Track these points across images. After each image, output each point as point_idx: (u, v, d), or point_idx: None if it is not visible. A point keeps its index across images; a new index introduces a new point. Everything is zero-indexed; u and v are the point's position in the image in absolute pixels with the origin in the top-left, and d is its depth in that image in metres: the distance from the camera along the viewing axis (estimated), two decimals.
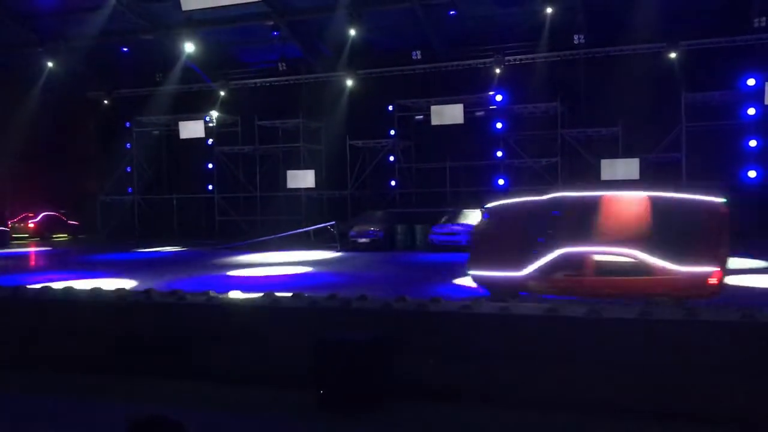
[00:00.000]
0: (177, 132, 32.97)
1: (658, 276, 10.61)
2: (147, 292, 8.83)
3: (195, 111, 32.78)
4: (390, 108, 30.37)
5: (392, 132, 30.57)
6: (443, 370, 6.96)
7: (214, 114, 32.80)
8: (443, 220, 25.18)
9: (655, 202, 11.41)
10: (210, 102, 32.98)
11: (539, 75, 28.08)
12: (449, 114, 28.43)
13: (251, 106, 31.58)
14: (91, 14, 28.55)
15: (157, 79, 32.84)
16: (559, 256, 11.05)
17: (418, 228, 25.48)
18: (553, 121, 28.13)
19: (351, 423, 6.42)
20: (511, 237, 11.86)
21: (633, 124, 26.69)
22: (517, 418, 6.44)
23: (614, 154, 26.95)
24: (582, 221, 11.44)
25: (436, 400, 6.75)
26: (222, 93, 32.91)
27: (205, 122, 32.48)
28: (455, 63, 29.52)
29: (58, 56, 31.56)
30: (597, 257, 11.03)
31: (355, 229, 26.00)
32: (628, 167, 26.25)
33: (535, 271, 11.17)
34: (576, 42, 27.31)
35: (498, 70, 28.60)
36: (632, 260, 10.77)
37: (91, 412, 6.97)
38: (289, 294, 8.59)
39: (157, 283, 15.55)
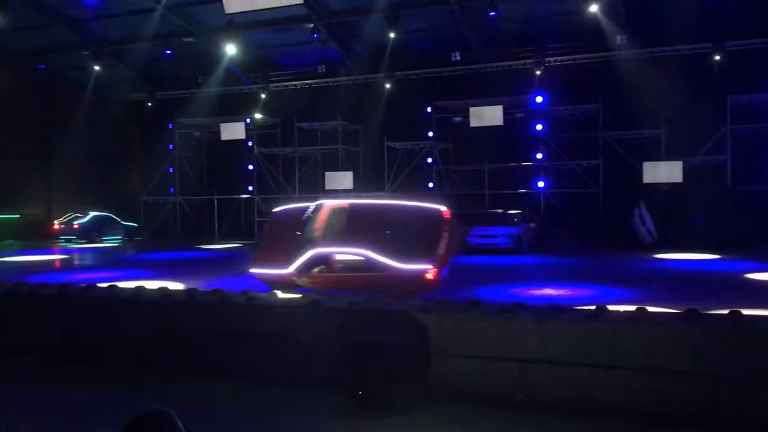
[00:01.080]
0: (218, 133, 33.40)
1: (385, 273, 12.11)
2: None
3: (236, 113, 33.19)
4: (428, 110, 30.32)
5: (430, 134, 30.50)
6: (487, 374, 6.94)
7: (256, 116, 33.17)
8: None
9: (389, 209, 13.76)
10: (250, 104, 33.38)
11: (580, 76, 27.69)
12: (489, 116, 28.20)
13: (290, 108, 31.85)
14: (135, 18, 29.10)
15: (199, 82, 33.35)
16: (312, 255, 12.77)
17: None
18: (595, 123, 27.76)
19: (389, 424, 6.43)
20: (284, 239, 13.44)
21: (676, 126, 26.12)
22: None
23: (657, 157, 26.45)
24: (333, 225, 13.40)
25: (474, 403, 6.73)
26: (262, 95, 33.29)
27: (246, 124, 32.85)
28: (494, 64, 29.33)
29: (103, 59, 32.22)
30: (339, 257, 12.97)
31: None
32: (671, 170, 25.76)
33: (297, 269, 12.73)
34: (618, 42, 26.89)
35: (538, 72, 28.36)
36: (365, 259, 12.34)
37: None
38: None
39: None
